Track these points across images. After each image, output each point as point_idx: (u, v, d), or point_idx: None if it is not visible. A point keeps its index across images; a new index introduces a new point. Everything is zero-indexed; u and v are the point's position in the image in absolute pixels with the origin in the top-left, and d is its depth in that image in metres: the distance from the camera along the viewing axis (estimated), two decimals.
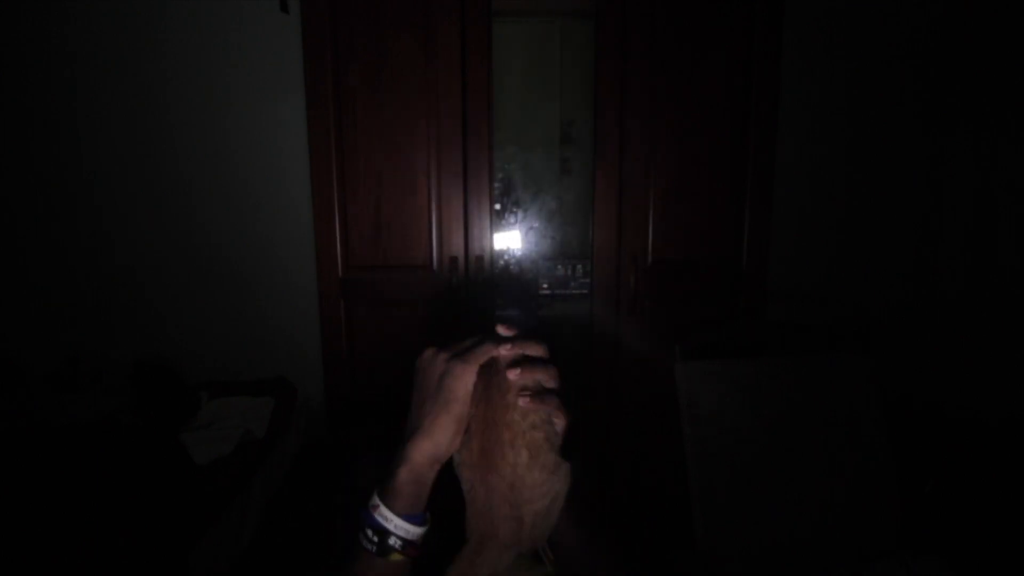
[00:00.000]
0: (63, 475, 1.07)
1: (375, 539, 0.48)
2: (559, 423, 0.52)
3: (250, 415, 1.43)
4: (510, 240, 1.73)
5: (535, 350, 0.52)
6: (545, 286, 1.76)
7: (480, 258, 1.49)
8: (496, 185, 1.60)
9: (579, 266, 1.72)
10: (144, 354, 1.63)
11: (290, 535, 1.41)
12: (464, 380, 0.49)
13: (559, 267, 1.73)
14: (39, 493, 1.03)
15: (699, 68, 1.48)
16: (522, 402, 0.49)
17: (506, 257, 1.73)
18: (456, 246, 1.48)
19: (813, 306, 1.78)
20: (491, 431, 0.49)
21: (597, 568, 0.68)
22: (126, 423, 1.32)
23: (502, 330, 0.53)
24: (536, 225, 1.74)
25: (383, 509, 0.49)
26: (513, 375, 0.50)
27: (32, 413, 1.32)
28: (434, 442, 0.49)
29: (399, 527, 0.49)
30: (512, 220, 1.73)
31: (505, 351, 0.51)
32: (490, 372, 0.50)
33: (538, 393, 0.50)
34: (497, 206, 1.68)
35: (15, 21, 1.52)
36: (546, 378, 0.51)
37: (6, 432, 1.23)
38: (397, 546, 0.48)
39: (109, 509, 1.01)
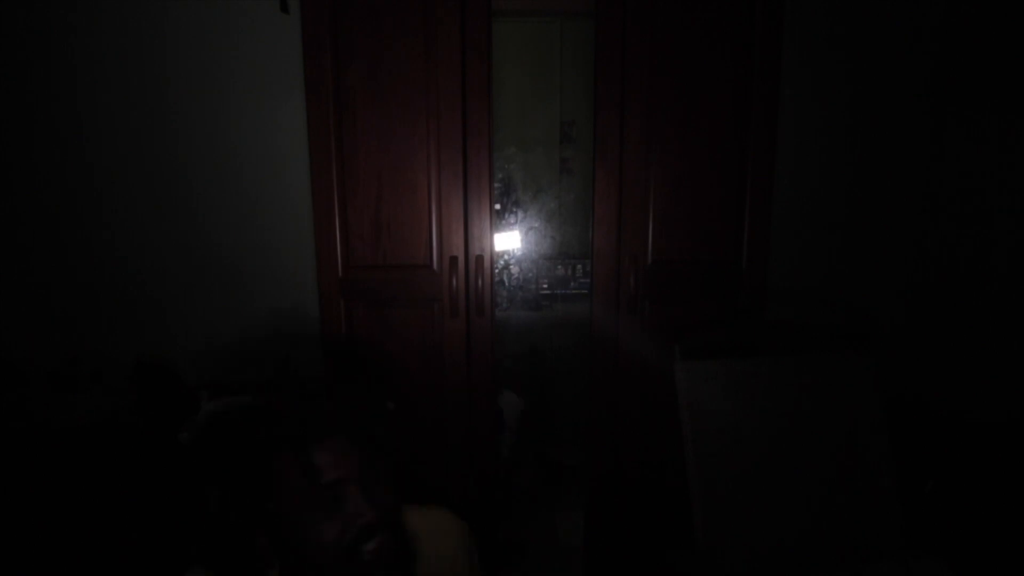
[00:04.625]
0: (62, 475, 1.07)
1: None
2: None
3: None
4: (510, 240, 1.74)
5: None
6: (545, 286, 1.76)
7: (480, 258, 1.49)
8: (496, 185, 1.60)
9: (579, 266, 1.73)
10: (144, 354, 1.63)
11: None
12: None
13: (559, 267, 1.74)
14: (38, 493, 1.03)
15: (700, 68, 1.48)
16: None
17: (506, 257, 1.73)
18: (456, 246, 1.48)
19: (813, 306, 1.78)
20: None
21: None
22: (126, 423, 1.32)
23: None
24: (536, 225, 1.74)
25: None
26: None
27: (32, 413, 1.32)
28: None
29: None
30: (512, 220, 1.73)
31: None
32: None
33: None
34: (497, 206, 1.68)
35: (15, 21, 1.52)
36: None
37: (5, 432, 1.23)
38: None
39: (109, 509, 1.01)
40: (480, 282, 1.49)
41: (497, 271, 1.68)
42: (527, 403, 1.83)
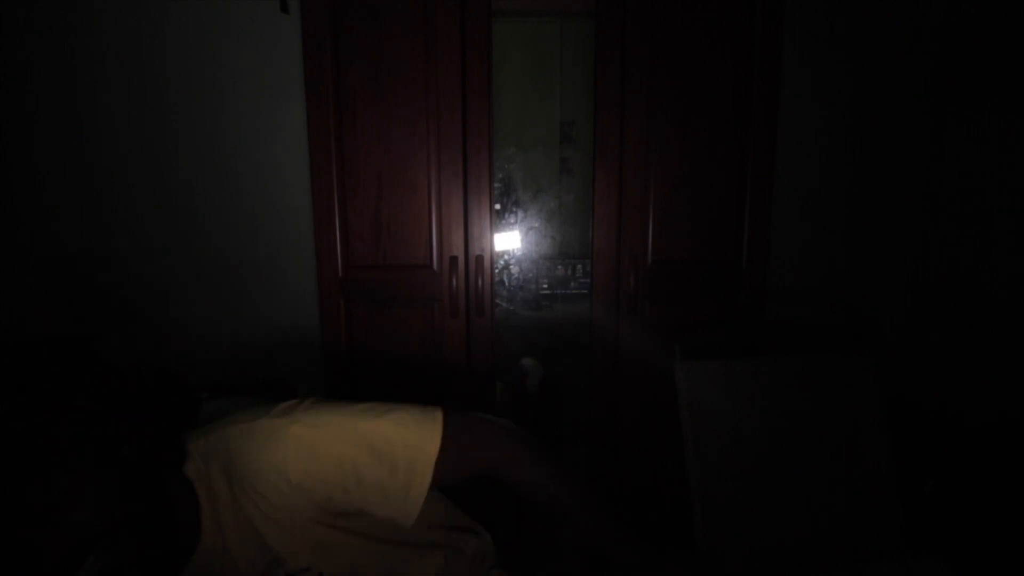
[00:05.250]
0: (62, 474, 1.07)
1: None
2: None
3: None
4: (510, 240, 1.74)
5: None
6: (545, 286, 1.76)
7: (480, 258, 1.49)
8: (496, 185, 1.60)
9: (579, 266, 1.72)
10: (144, 354, 1.63)
11: None
12: None
13: (559, 267, 1.74)
14: (38, 493, 1.03)
15: (700, 68, 1.48)
16: None
17: (506, 257, 1.73)
18: (456, 246, 1.48)
19: (813, 306, 1.78)
20: None
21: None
22: (125, 422, 1.31)
23: None
24: (536, 225, 1.74)
25: None
26: None
27: (31, 414, 1.32)
28: None
29: None
30: (512, 220, 1.73)
31: None
32: None
33: None
34: (497, 206, 1.68)
35: (15, 21, 1.52)
36: None
37: (4, 432, 1.23)
38: None
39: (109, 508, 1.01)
40: (480, 282, 1.49)
41: (497, 271, 1.68)
42: (546, 371, 1.83)
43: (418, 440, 0.70)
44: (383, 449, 0.69)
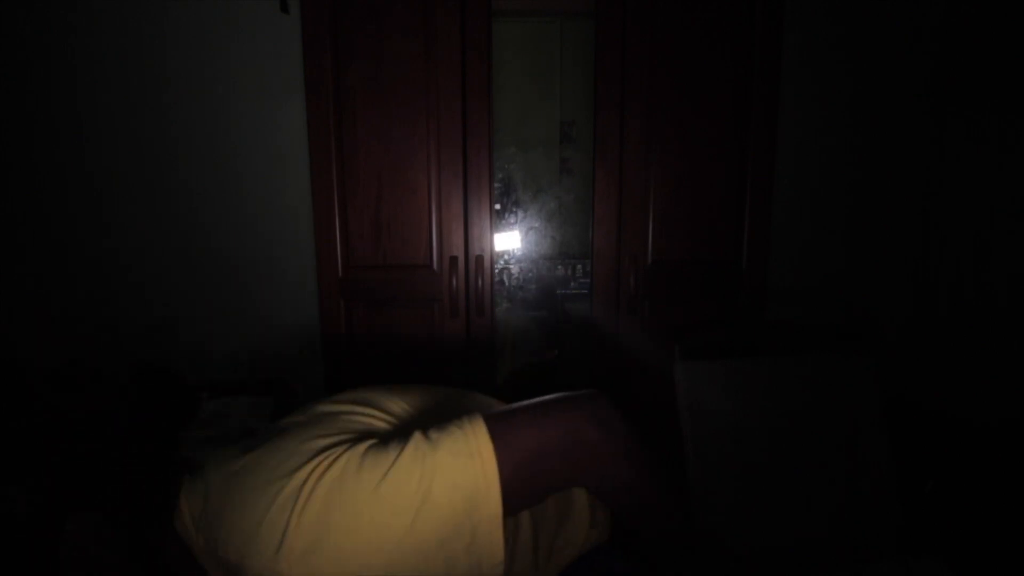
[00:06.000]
0: (62, 474, 1.07)
1: None
2: None
3: (250, 415, 1.43)
4: (510, 240, 1.74)
5: None
6: None
7: (480, 258, 1.49)
8: (496, 185, 1.60)
9: (579, 266, 1.72)
10: (144, 354, 1.63)
11: None
12: None
13: (559, 267, 1.73)
14: (37, 491, 1.03)
15: (700, 68, 1.48)
16: None
17: (506, 257, 1.73)
18: (456, 246, 1.48)
19: (813, 306, 1.78)
20: None
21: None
22: (126, 423, 1.32)
23: None
24: (536, 225, 1.74)
25: None
26: None
27: (31, 413, 1.32)
28: None
29: None
30: (512, 220, 1.73)
31: None
32: None
33: None
34: (497, 206, 1.68)
35: (15, 21, 1.52)
36: None
37: (4, 431, 1.23)
38: None
39: (108, 509, 1.01)
40: (480, 282, 1.49)
41: (497, 271, 1.68)
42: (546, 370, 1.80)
43: (470, 509, 0.60)
44: (433, 552, 0.59)
